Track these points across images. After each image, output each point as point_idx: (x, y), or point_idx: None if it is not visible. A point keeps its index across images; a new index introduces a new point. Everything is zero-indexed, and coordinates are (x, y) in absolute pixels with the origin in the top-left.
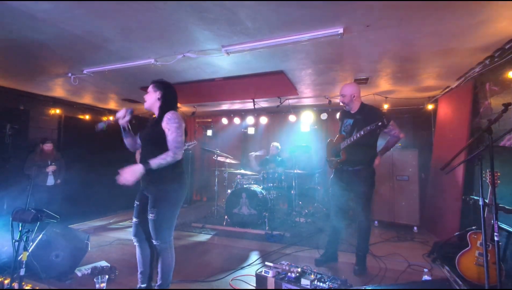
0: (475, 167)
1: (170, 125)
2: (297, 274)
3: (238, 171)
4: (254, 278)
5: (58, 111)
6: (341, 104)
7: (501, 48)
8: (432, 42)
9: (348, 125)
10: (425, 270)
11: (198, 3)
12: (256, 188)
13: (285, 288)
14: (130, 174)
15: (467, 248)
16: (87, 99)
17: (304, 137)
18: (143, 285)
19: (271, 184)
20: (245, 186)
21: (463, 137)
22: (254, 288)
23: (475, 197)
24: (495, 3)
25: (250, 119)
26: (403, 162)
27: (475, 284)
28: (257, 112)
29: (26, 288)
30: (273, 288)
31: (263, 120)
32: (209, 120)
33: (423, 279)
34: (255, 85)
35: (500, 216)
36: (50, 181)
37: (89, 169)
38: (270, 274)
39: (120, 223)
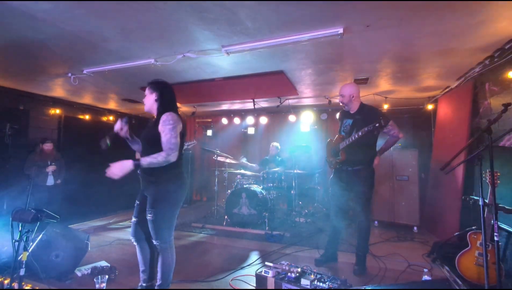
0: (475, 167)
1: (164, 127)
2: (297, 274)
3: (238, 171)
4: (254, 278)
5: (58, 111)
6: (340, 104)
7: (501, 48)
8: (432, 42)
9: (347, 125)
10: (425, 270)
11: (198, 3)
12: (256, 188)
13: (285, 288)
14: (119, 169)
15: (467, 248)
16: (87, 99)
17: (304, 137)
18: (145, 284)
19: (271, 184)
20: (245, 186)
21: (463, 137)
22: (254, 288)
23: (475, 197)
24: (495, 3)
25: (250, 119)
26: (403, 162)
27: (475, 284)
28: (257, 112)
29: (26, 288)
30: (273, 288)
31: (263, 120)
32: (209, 120)
33: (423, 279)
34: (255, 85)
35: (500, 216)
36: (50, 181)
37: (89, 169)
38: (270, 274)
39: (120, 223)
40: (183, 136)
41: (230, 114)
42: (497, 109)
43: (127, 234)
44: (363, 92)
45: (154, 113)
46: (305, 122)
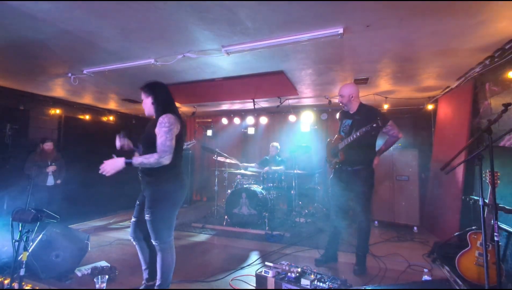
0: (475, 167)
1: (159, 129)
2: (297, 274)
3: (238, 171)
4: (254, 278)
5: (58, 111)
6: (340, 104)
7: (501, 48)
8: (432, 42)
9: (347, 126)
10: (425, 270)
11: (198, 3)
12: (256, 188)
13: (285, 288)
14: (111, 166)
15: (467, 248)
16: (87, 99)
17: (304, 137)
18: (147, 283)
19: (271, 184)
20: (245, 186)
21: (463, 137)
22: (254, 288)
23: (475, 197)
24: (495, 3)
25: (250, 119)
26: (403, 162)
27: (475, 284)
28: (257, 112)
29: (26, 288)
30: (273, 288)
31: (263, 120)
32: (209, 120)
33: (423, 279)
34: (255, 85)
35: (500, 216)
36: (50, 181)
37: (89, 169)
38: (270, 274)
39: (120, 223)
40: (182, 136)
41: (230, 114)
42: (497, 109)
43: (127, 234)
44: (363, 92)
45: (154, 115)
46: (305, 122)
